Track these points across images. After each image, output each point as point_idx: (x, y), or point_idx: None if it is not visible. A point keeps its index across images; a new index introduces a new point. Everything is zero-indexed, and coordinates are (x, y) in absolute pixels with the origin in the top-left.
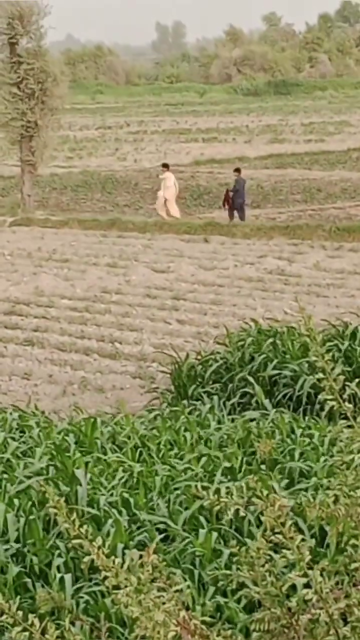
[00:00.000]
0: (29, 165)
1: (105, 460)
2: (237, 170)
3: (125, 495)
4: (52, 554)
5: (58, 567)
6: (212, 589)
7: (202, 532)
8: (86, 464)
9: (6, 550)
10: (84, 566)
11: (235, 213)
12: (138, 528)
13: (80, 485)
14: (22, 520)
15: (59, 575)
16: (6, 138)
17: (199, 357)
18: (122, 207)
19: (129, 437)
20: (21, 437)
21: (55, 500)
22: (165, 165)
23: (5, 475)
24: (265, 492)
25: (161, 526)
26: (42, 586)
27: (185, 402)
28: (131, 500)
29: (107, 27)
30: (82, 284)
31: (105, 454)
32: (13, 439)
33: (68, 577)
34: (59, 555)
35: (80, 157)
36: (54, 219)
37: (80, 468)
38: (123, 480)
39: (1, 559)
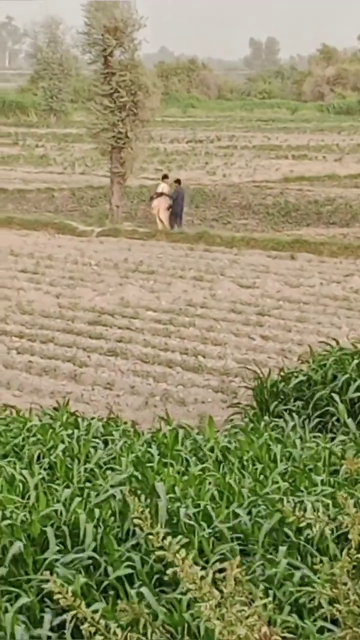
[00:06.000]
0: (118, 176)
1: (187, 472)
2: (177, 181)
3: (208, 507)
4: (130, 565)
5: (136, 578)
6: (288, 606)
7: (281, 549)
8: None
9: (81, 560)
10: (167, 578)
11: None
12: (219, 541)
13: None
14: (101, 530)
15: (134, 587)
16: (97, 149)
17: (282, 373)
18: (210, 221)
19: (211, 450)
20: (105, 446)
21: (139, 511)
22: (164, 177)
23: (88, 485)
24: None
25: (242, 539)
26: (118, 597)
27: (267, 417)
28: (213, 513)
29: (201, 41)
30: (168, 297)
31: (187, 466)
32: (96, 448)
33: (146, 590)
34: (133, 567)
35: (169, 170)
36: (142, 231)
37: (164, 480)
38: (205, 492)
39: (70, 569)
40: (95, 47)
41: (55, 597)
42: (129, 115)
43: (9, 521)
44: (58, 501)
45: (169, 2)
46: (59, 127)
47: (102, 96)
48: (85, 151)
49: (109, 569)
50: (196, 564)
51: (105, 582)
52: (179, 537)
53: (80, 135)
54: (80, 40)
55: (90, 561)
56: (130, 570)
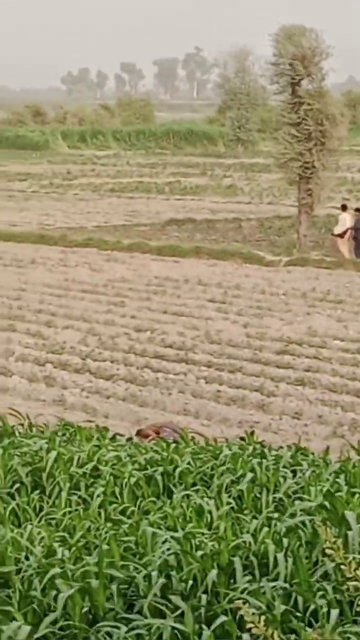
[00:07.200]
0: (306, 205)
1: None
2: (358, 210)
3: None
4: (318, 595)
5: (322, 608)
6: None
7: None
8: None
9: (274, 588)
10: (358, 608)
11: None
12: None
13: (350, 528)
14: (290, 560)
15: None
16: (284, 178)
17: None
18: None
19: None
20: (293, 476)
21: (332, 541)
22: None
23: (276, 515)
24: None
25: None
26: (307, 627)
27: None
28: None
29: None
30: (356, 326)
31: None
32: (285, 478)
33: (334, 613)
34: (324, 597)
35: (357, 199)
36: (329, 260)
37: (353, 509)
38: None
39: (268, 597)
40: (283, 77)
41: (248, 626)
42: (316, 144)
43: (200, 552)
44: (247, 532)
45: (356, 31)
46: (247, 157)
47: (290, 125)
48: (272, 181)
49: (299, 598)
50: None
51: (305, 611)
52: None
53: (268, 165)
54: (269, 71)
55: (281, 591)
56: (323, 601)
